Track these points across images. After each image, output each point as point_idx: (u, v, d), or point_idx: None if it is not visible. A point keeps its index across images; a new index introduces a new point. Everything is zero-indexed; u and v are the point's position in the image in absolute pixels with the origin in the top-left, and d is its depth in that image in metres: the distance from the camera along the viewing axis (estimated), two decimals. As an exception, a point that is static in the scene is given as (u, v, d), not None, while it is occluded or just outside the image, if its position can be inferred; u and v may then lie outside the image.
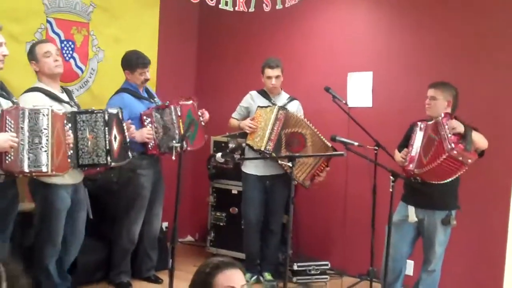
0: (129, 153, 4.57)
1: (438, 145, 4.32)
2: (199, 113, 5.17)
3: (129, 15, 6.11)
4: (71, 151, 4.18)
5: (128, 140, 4.57)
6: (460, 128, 4.28)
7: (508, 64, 5.16)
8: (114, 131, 4.39)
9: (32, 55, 4.38)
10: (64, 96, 4.45)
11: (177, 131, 4.98)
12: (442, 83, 4.66)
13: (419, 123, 4.65)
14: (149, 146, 4.97)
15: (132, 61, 5.08)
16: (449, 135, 4.25)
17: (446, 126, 4.28)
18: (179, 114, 5.02)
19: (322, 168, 5.45)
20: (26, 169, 3.67)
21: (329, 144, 5.33)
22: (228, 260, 2.38)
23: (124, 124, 4.56)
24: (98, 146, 4.27)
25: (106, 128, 4.29)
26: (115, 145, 4.39)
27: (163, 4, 6.43)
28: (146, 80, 5.15)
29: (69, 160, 4.00)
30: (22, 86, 4.94)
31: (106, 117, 4.31)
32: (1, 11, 4.95)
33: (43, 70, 4.36)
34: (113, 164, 4.36)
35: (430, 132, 4.47)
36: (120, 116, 4.53)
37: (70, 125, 4.20)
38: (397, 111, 5.71)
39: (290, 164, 4.18)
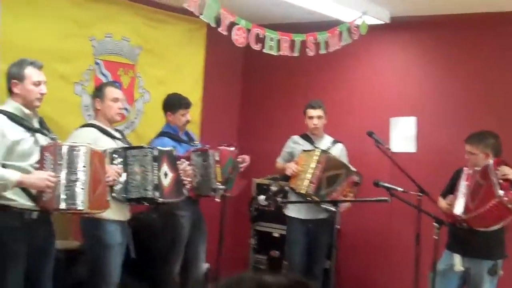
0: (184, 190, 4.59)
1: (487, 191, 4.26)
2: (239, 159, 5.18)
3: (175, 57, 6.20)
4: (120, 186, 4.24)
5: (182, 177, 4.61)
6: None
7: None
8: (165, 168, 4.42)
9: (99, 94, 4.49)
10: (117, 134, 4.54)
11: (213, 176, 4.98)
12: (478, 135, 4.61)
13: (465, 168, 4.59)
14: (187, 187, 4.98)
15: (175, 103, 5.17)
16: (500, 181, 4.19)
17: (497, 172, 4.23)
18: (217, 159, 5.01)
19: (346, 193, 5.35)
20: (62, 207, 3.67)
21: (353, 169, 5.31)
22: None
23: (178, 162, 4.60)
24: (146, 180, 4.29)
25: (155, 164, 4.32)
26: (165, 181, 4.41)
27: (208, 46, 6.51)
28: (187, 121, 5.22)
29: (108, 198, 4.00)
30: (70, 125, 5.06)
31: (156, 153, 4.35)
32: (52, 51, 5.06)
33: (104, 112, 4.47)
34: (160, 200, 4.36)
35: (479, 178, 4.40)
36: (174, 154, 4.58)
37: (120, 160, 4.27)
38: (441, 158, 5.66)
39: (333, 208, 4.16)
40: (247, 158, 5.19)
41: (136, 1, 5.74)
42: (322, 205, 5.13)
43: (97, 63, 5.52)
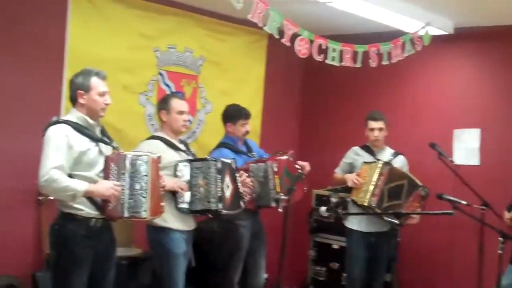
0: (241, 203, 4.64)
1: None
2: (297, 166, 5.16)
3: (237, 68, 6.29)
4: (184, 198, 4.35)
5: (240, 190, 4.66)
6: None
7: None
8: (227, 180, 4.49)
9: (165, 106, 4.56)
10: (181, 146, 4.62)
11: (272, 187, 4.97)
12: None
13: None
14: (245, 200, 5.00)
15: (235, 113, 5.18)
16: None
17: None
18: (276, 170, 5.00)
19: (413, 209, 5.27)
20: (126, 215, 3.76)
21: (420, 183, 5.23)
22: None
23: (237, 174, 4.66)
24: (210, 193, 4.36)
25: (219, 176, 4.40)
26: (227, 193, 4.48)
27: (269, 57, 6.56)
28: (247, 132, 5.23)
29: (162, 204, 4.03)
30: (134, 134, 5.18)
31: (219, 165, 4.42)
32: (117, 62, 5.20)
33: (170, 124, 4.55)
34: (224, 211, 4.43)
35: None
36: (234, 166, 4.63)
37: (185, 171, 4.39)
38: (506, 170, 5.54)
39: (397, 221, 4.11)
40: (306, 165, 5.14)
41: (199, 13, 5.84)
42: (385, 218, 5.08)
43: (160, 74, 5.64)
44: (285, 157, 5.10)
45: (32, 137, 4.39)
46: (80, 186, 3.64)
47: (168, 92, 5.65)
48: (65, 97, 4.87)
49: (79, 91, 3.79)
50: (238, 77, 6.31)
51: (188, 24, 5.78)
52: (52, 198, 4.44)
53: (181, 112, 4.53)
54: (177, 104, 4.54)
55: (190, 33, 5.83)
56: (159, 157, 3.99)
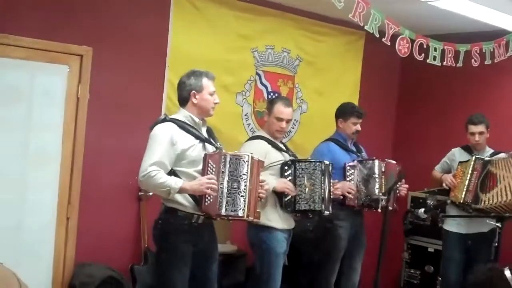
0: (330, 206, 4.62)
1: None
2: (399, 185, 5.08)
3: (333, 69, 6.27)
4: (289, 197, 4.41)
5: (331, 193, 4.67)
6: None
7: None
8: (326, 181, 4.53)
9: (269, 107, 4.65)
10: (282, 146, 4.68)
11: (377, 186, 4.95)
12: None
13: None
14: (348, 198, 4.98)
15: (348, 110, 5.17)
16: None
17: None
18: (383, 170, 4.99)
19: None
20: (223, 212, 3.80)
21: None
22: None
23: (332, 182, 4.67)
24: (314, 193, 4.44)
25: (323, 177, 4.47)
26: (327, 194, 4.52)
27: (366, 57, 6.51)
28: (357, 131, 5.18)
29: (258, 210, 4.05)
30: (231, 134, 5.28)
31: (323, 167, 4.49)
32: (217, 63, 5.26)
33: (268, 126, 4.64)
34: (326, 212, 4.50)
35: None
36: (331, 168, 4.65)
37: (290, 172, 4.45)
38: None
39: (499, 224, 4.00)
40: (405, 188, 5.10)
41: (296, 14, 5.87)
42: (487, 221, 4.94)
43: (258, 74, 5.70)
44: (394, 162, 5.10)
45: (135, 135, 4.55)
46: (175, 183, 3.71)
47: (264, 92, 5.73)
48: (166, 96, 5.04)
49: (193, 91, 3.89)
50: (334, 78, 6.30)
51: (285, 25, 5.83)
52: (151, 194, 4.59)
53: (279, 119, 4.56)
54: (279, 110, 4.57)
55: (287, 34, 5.87)
56: (262, 161, 4.05)
